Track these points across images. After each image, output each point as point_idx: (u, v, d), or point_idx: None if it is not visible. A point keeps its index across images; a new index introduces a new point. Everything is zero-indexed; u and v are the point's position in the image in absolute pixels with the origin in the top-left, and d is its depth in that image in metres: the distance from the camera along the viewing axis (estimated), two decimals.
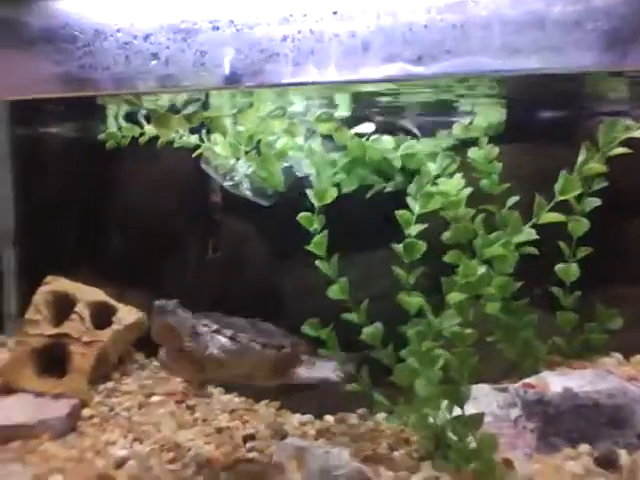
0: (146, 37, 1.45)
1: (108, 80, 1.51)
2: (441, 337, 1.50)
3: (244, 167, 1.89)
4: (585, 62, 1.28)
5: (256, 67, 1.36)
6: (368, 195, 1.82)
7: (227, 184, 1.92)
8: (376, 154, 1.77)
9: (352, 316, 1.83)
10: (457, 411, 1.53)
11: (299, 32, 1.34)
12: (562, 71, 1.29)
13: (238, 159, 1.86)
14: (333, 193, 1.77)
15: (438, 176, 1.73)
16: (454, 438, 1.54)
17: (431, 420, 1.62)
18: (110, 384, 2.02)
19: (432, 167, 1.74)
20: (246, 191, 1.92)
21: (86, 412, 1.90)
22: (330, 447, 1.63)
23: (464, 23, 1.27)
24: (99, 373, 2.00)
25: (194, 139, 1.85)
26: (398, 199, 1.77)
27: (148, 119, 1.85)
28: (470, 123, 1.81)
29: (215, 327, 1.59)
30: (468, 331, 1.43)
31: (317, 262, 1.82)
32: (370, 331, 1.81)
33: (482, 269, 1.46)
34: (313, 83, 1.35)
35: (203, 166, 1.90)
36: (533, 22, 1.28)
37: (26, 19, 1.54)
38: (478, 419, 1.48)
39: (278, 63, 1.36)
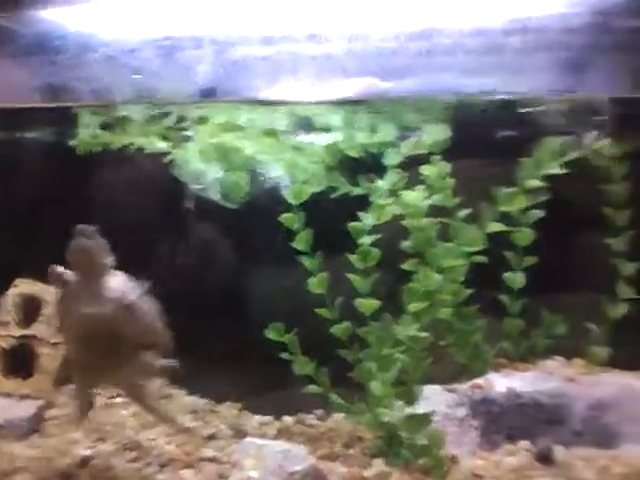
0: (131, 51, 1.53)
1: (93, 91, 1.57)
2: (399, 342, 1.59)
3: (213, 172, 1.97)
4: (539, 88, 1.39)
5: (236, 84, 1.45)
6: (333, 195, 1.90)
7: (196, 188, 2.00)
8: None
9: (325, 312, 1.90)
10: (409, 410, 1.63)
11: (278, 52, 1.43)
12: (519, 96, 1.40)
13: (208, 165, 1.95)
14: (308, 191, 1.86)
15: (395, 191, 1.83)
16: (405, 435, 1.64)
17: (384, 419, 1.71)
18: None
19: (381, 183, 1.84)
20: (214, 195, 1.99)
21: (51, 413, 1.95)
22: (288, 445, 1.71)
23: (429, 49, 1.37)
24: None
25: (165, 146, 1.93)
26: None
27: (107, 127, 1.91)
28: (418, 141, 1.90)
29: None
30: (423, 335, 1.53)
31: (301, 258, 1.89)
32: (341, 328, 1.89)
33: (438, 278, 1.56)
34: (292, 103, 1.44)
35: (174, 171, 1.98)
36: (492, 50, 1.39)
37: (12, 29, 1.60)
38: (427, 417, 1.58)
39: (257, 81, 1.45)
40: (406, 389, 1.58)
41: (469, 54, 1.43)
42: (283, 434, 1.95)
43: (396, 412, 1.65)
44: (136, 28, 1.52)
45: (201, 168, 1.89)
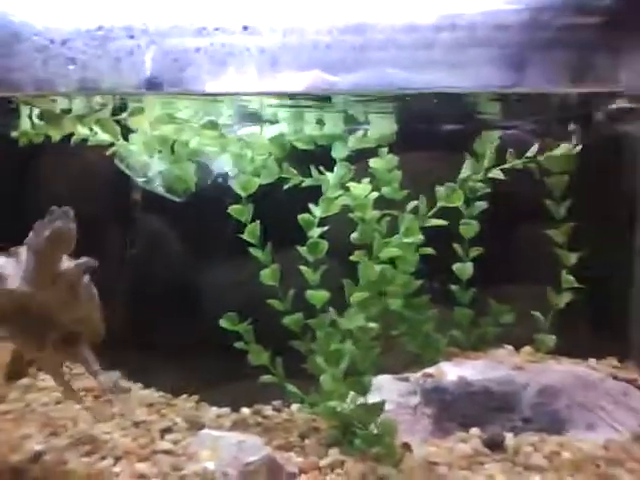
0: (64, 42, 1.50)
1: (25, 82, 1.54)
2: (347, 334, 1.62)
3: (157, 165, 1.95)
4: (473, 83, 1.43)
5: (169, 76, 1.43)
6: (285, 187, 1.91)
7: (140, 180, 1.98)
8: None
9: (277, 304, 1.92)
10: (361, 400, 1.65)
11: (211, 45, 1.43)
12: (451, 90, 1.43)
13: (151, 157, 1.93)
14: (255, 183, 1.87)
15: (343, 183, 1.85)
16: (358, 425, 1.66)
17: (338, 409, 1.74)
18: (26, 380, 2.04)
19: (330, 175, 1.86)
20: (158, 188, 1.98)
21: (1, 408, 1.92)
22: (244, 436, 1.72)
23: (363, 44, 1.39)
24: (15, 369, 2.01)
25: (108, 137, 1.90)
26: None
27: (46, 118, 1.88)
28: (364, 135, 1.92)
29: None
30: (370, 325, 1.56)
31: (251, 250, 1.90)
32: (292, 319, 1.91)
33: (378, 269, 1.59)
34: (224, 94, 1.44)
35: (117, 163, 1.95)
36: (424, 45, 1.41)
37: None
38: (379, 407, 1.61)
39: (191, 73, 1.44)
40: (357, 380, 1.60)
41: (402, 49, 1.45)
42: (239, 426, 1.96)
43: (348, 402, 1.67)
44: (68, 17, 1.49)
45: (145, 160, 1.88)
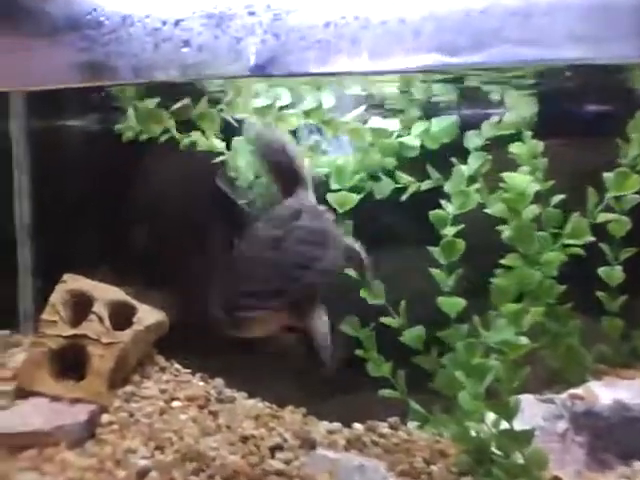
0: (177, 23, 1.35)
1: (135, 69, 1.41)
2: (491, 349, 1.41)
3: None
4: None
5: (296, 55, 1.26)
6: (403, 197, 1.75)
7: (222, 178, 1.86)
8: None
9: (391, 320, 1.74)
10: (503, 424, 1.44)
11: (342, 18, 1.24)
12: (630, 61, 1.19)
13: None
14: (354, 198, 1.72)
15: (472, 176, 1.66)
16: (499, 453, 1.45)
17: (473, 433, 1.53)
18: (129, 388, 1.93)
19: (463, 167, 1.66)
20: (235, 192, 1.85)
21: (105, 418, 1.81)
22: (364, 459, 1.55)
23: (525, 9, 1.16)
24: (118, 376, 1.91)
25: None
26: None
27: None
28: (500, 120, 1.71)
29: None
30: (523, 340, 1.34)
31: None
32: (412, 334, 1.72)
33: (538, 275, 1.36)
34: (359, 73, 1.25)
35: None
36: (599, 9, 1.18)
37: (49, 5, 1.45)
38: (528, 435, 1.39)
39: (320, 51, 1.26)
40: (502, 402, 1.39)
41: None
42: (354, 444, 1.78)
43: (489, 426, 1.46)
44: None
45: None
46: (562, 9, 1.18)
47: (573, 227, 1.41)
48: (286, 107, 1.77)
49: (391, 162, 1.74)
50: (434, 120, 1.68)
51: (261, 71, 1.31)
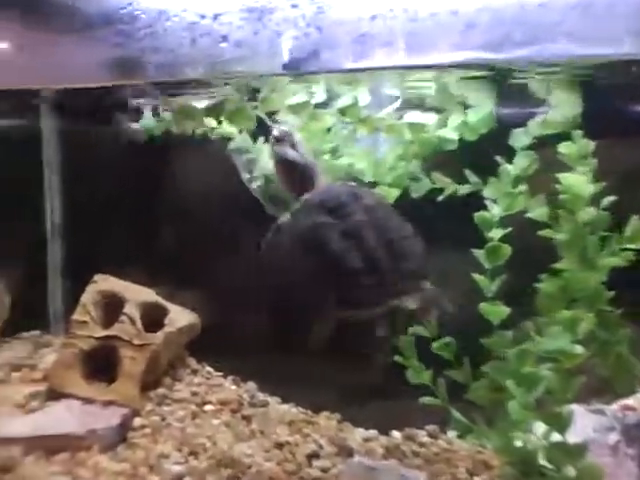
0: (215, 17, 1.31)
1: (170, 65, 1.37)
2: (542, 357, 1.34)
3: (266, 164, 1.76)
4: None
5: (342, 50, 1.21)
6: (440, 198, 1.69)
7: (244, 177, 1.80)
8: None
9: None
10: (554, 436, 1.37)
11: (391, 10, 1.18)
12: None
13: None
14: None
15: (518, 177, 1.60)
16: (550, 466, 1.38)
17: (520, 444, 1.46)
18: (161, 390, 1.89)
19: (509, 167, 1.60)
20: (256, 191, 1.78)
21: (137, 421, 1.78)
22: (403, 469, 1.49)
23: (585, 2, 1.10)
24: (150, 379, 1.87)
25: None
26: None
27: None
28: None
29: None
30: (578, 349, 1.27)
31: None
32: (442, 344, 1.66)
33: (597, 280, 1.30)
34: (405, 67, 1.19)
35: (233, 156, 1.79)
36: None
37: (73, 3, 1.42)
38: (582, 448, 1.32)
39: (365, 45, 1.21)
40: (555, 413, 1.32)
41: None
42: (393, 453, 1.72)
43: (538, 437, 1.40)
44: None
45: None
46: (621, 3, 1.12)
47: (633, 230, 1.33)
48: (321, 105, 1.73)
49: (430, 156, 1.69)
50: (470, 111, 1.62)
51: (301, 67, 1.26)
